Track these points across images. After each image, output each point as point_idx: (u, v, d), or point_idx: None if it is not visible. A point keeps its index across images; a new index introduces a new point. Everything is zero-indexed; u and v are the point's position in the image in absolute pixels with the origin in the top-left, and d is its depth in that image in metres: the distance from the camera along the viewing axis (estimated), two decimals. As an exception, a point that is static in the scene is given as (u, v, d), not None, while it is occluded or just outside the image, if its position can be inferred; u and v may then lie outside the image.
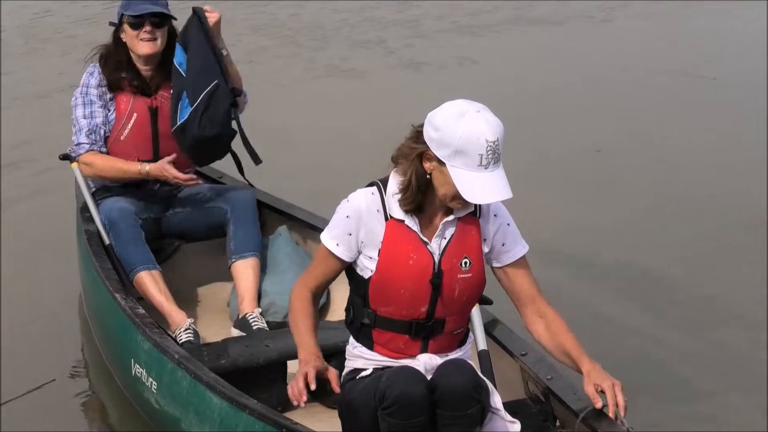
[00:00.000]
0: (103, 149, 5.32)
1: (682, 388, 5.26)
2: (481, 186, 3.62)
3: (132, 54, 5.32)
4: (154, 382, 4.54)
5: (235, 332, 5.11)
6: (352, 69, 10.77)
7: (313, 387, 3.69)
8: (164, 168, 5.23)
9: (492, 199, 3.66)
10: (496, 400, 3.86)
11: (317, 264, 3.97)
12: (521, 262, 3.93)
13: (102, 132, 5.31)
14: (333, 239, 3.86)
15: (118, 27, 5.35)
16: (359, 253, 3.84)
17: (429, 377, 3.76)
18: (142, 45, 5.26)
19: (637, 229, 7.05)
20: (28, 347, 5.59)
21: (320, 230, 5.45)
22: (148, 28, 5.25)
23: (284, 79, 10.39)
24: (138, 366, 4.65)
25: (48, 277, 6.29)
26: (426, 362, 3.83)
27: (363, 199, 3.82)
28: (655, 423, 4.83)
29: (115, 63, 5.31)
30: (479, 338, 4.37)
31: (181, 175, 5.23)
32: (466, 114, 3.61)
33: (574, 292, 6.15)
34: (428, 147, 3.67)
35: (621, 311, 5.99)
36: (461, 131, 3.59)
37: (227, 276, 5.45)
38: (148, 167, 5.28)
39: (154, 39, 5.27)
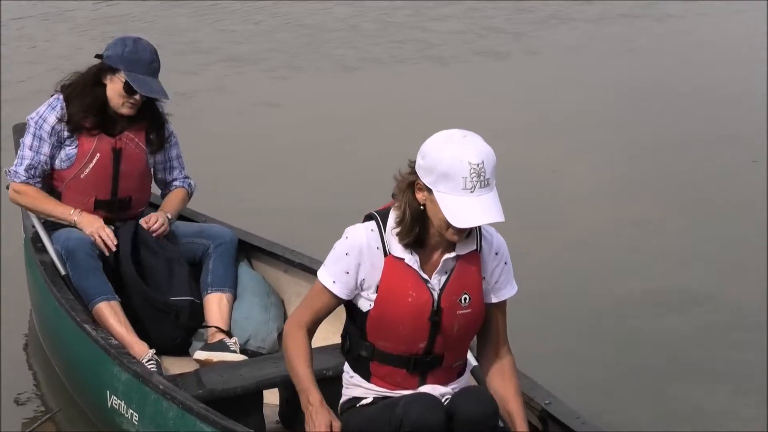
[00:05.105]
0: (38, 185, 5.28)
1: None
2: (466, 209, 3.58)
3: (108, 98, 5.25)
4: (134, 414, 4.46)
5: (202, 354, 5.03)
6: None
7: None
8: (98, 229, 5.20)
9: (477, 222, 3.60)
10: None
11: (312, 299, 3.89)
12: (504, 303, 3.94)
13: (42, 170, 5.26)
14: (330, 276, 3.81)
15: (105, 69, 5.23)
16: (360, 290, 3.80)
17: None
18: (124, 108, 5.23)
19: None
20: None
21: (280, 258, 5.55)
22: (137, 98, 5.21)
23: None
24: (115, 398, 4.57)
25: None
26: (430, 392, 3.81)
27: (363, 235, 3.77)
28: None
29: (85, 106, 5.22)
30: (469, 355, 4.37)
31: (110, 241, 5.20)
32: (451, 139, 3.61)
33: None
34: (418, 176, 3.67)
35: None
36: (445, 155, 3.58)
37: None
38: (77, 218, 5.24)
39: (138, 104, 5.24)
